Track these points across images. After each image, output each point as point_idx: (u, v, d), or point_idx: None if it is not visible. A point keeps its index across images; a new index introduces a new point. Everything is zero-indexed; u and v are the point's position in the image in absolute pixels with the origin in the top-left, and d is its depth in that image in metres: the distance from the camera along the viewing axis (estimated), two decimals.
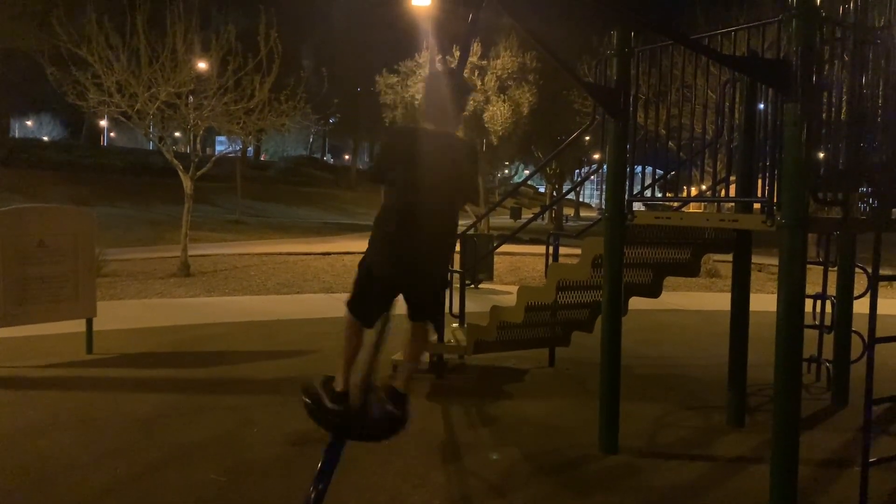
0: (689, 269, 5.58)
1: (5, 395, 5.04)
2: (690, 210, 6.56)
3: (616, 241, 4.29)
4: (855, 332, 5.51)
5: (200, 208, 24.46)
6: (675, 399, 5.43)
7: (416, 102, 21.16)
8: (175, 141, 18.19)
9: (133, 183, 31.96)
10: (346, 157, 63.97)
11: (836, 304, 5.54)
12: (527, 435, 4.56)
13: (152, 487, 3.59)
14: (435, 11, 16.57)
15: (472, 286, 10.85)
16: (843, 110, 3.75)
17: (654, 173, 6.03)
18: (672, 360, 6.84)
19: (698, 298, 10.91)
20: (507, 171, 30.68)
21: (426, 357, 5.88)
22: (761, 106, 4.23)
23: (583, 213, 52.10)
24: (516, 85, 21.19)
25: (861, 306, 4.66)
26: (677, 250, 5.51)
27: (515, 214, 37.29)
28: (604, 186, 4.45)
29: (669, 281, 6.33)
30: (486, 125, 20.35)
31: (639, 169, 4.75)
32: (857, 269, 5.48)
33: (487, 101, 20.64)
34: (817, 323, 5.86)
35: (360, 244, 3.64)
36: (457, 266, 7.72)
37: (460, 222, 3.72)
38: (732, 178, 4.57)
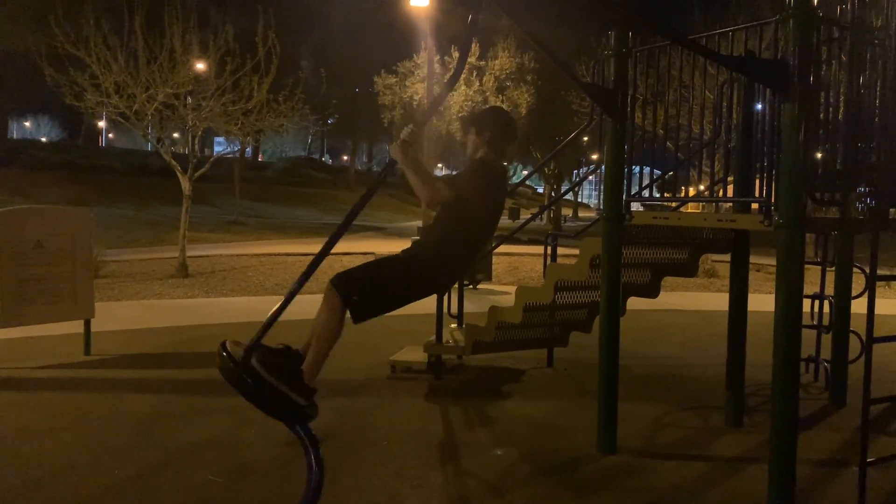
0: (687, 270, 5.59)
1: (3, 396, 5.04)
2: (688, 210, 6.57)
3: (614, 241, 4.29)
4: (853, 332, 5.51)
5: (199, 209, 24.49)
6: (674, 399, 5.43)
7: (415, 103, 21.18)
8: (173, 142, 18.18)
9: (131, 184, 31.98)
10: (345, 157, 64.08)
11: (833, 304, 5.54)
12: (525, 435, 4.56)
13: (151, 488, 3.58)
14: (433, 12, 16.61)
15: (471, 286, 10.86)
16: (841, 110, 3.76)
17: (651, 173, 6.03)
18: (670, 360, 6.84)
19: (696, 298, 10.91)
20: None
21: (425, 357, 5.89)
22: (759, 106, 4.23)
23: (581, 214, 52.23)
24: (514, 85, 21.24)
25: (859, 306, 4.67)
26: (675, 250, 5.52)
27: (514, 215, 37.27)
28: (602, 186, 4.45)
29: (667, 281, 6.34)
30: None
31: (637, 169, 4.74)
32: (854, 269, 5.49)
33: (486, 101, 20.65)
34: (815, 323, 5.87)
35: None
36: None
37: None
38: (730, 178, 4.57)
